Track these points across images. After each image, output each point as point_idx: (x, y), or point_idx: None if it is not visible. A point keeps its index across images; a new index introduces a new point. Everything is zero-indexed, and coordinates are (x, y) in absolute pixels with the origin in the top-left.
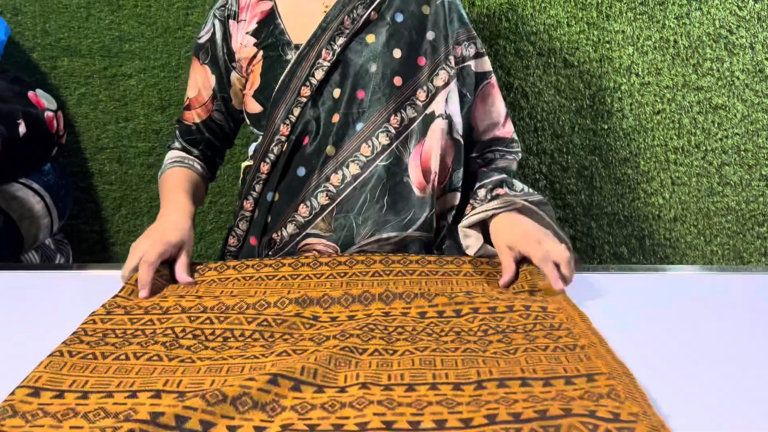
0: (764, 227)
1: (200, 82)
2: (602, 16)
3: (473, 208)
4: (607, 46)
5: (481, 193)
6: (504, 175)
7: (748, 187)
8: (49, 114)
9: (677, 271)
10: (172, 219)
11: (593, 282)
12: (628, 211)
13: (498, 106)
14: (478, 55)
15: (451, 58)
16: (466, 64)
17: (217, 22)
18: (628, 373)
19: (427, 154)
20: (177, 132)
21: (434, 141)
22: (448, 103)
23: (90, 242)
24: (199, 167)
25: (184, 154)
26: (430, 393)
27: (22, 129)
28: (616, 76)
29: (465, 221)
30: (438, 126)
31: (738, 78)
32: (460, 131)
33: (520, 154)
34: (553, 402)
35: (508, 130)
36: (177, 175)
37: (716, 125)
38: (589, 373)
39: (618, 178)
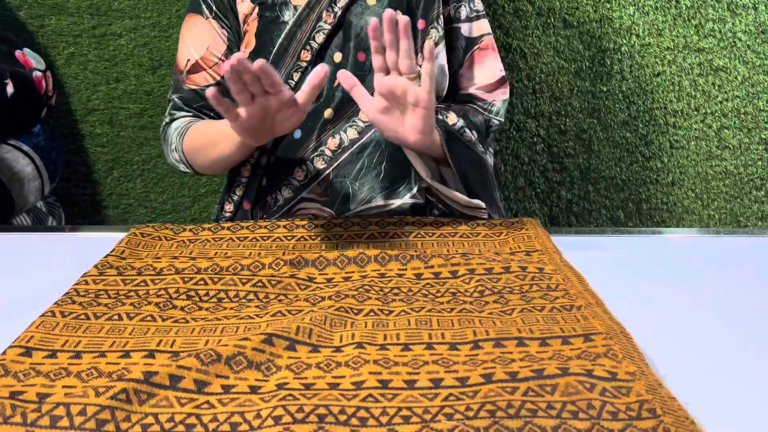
0: (762, 191)
1: (208, 39)
2: None
3: (446, 127)
4: (608, 5)
5: (453, 118)
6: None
7: (746, 151)
8: (37, 74)
9: (673, 234)
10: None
11: (590, 244)
12: (626, 174)
13: (492, 67)
14: (469, 19)
15: (441, 17)
16: (454, 26)
17: None
18: (626, 333)
19: None
20: (177, 108)
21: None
22: (437, 69)
23: (82, 205)
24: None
25: (190, 117)
26: (425, 352)
27: (9, 89)
28: (616, 37)
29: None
30: (426, 86)
31: (740, 39)
32: (442, 97)
33: (494, 122)
34: (550, 361)
35: (497, 92)
36: (208, 121)
37: (716, 87)
38: (586, 333)
39: (616, 141)
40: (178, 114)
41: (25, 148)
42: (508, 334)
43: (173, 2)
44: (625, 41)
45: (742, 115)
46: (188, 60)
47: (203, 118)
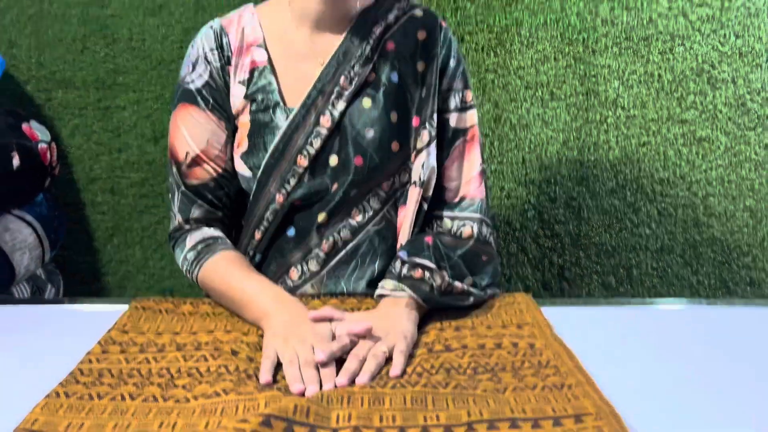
0: (749, 257)
1: (207, 131)
2: (588, 51)
3: (391, 272)
4: (593, 80)
5: (397, 265)
6: (434, 255)
7: (732, 218)
8: (42, 146)
9: (665, 305)
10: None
11: (583, 315)
12: (616, 241)
13: (472, 163)
14: (458, 109)
15: (435, 115)
16: (443, 116)
17: (212, 68)
18: (615, 414)
19: (401, 223)
20: (184, 204)
21: (410, 209)
22: (424, 168)
23: (81, 272)
24: (230, 245)
25: (211, 232)
26: None
27: (15, 162)
28: (602, 109)
29: (381, 290)
30: (414, 194)
31: (721, 111)
32: (428, 199)
33: (477, 218)
34: None
35: (479, 190)
36: (236, 260)
37: (700, 157)
38: (577, 414)
39: (605, 208)
40: (193, 214)
41: (28, 217)
42: (502, 415)
43: (175, 76)
44: (611, 113)
45: (727, 184)
46: (187, 153)
47: (217, 215)
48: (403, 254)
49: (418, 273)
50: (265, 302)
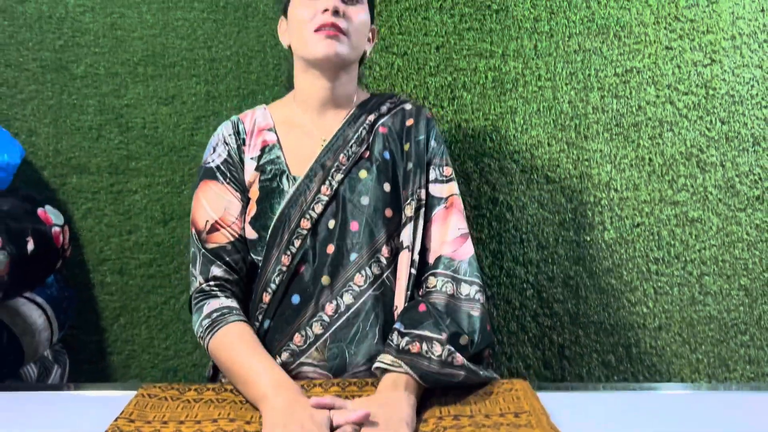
0: (747, 335)
1: (225, 200)
2: (580, 136)
3: (390, 344)
4: (586, 163)
5: (395, 338)
6: (429, 323)
7: (728, 297)
8: (56, 229)
9: (667, 390)
10: (290, 397)
11: (583, 400)
12: (614, 319)
13: (451, 227)
14: (437, 181)
15: (423, 190)
16: (427, 186)
17: (230, 148)
18: None
19: (398, 287)
20: (205, 266)
21: (403, 272)
22: (411, 235)
23: (88, 352)
24: (242, 315)
25: (227, 302)
26: None
27: (30, 246)
28: (596, 192)
29: (380, 363)
30: (405, 258)
31: (711, 193)
32: (416, 262)
33: (465, 286)
34: None
35: (460, 251)
36: (244, 334)
37: (694, 237)
38: None
39: (602, 287)
40: (213, 273)
41: (39, 300)
42: None
43: (186, 162)
44: (604, 195)
45: (721, 263)
46: (207, 221)
47: (231, 280)
48: (399, 326)
49: (416, 347)
50: (265, 385)
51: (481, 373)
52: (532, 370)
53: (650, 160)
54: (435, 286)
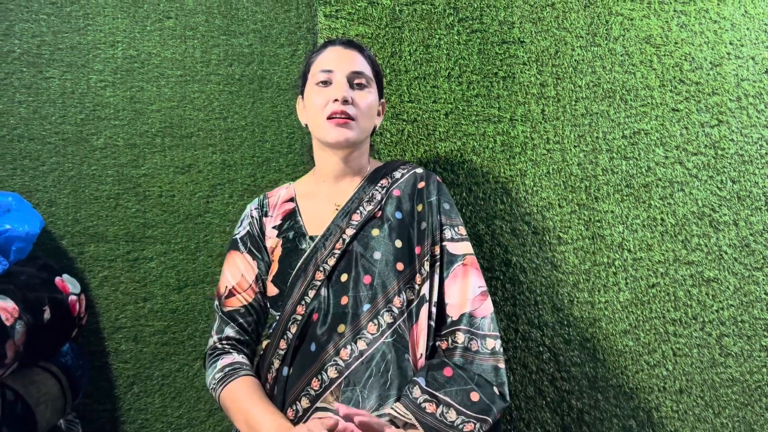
0: None
1: (242, 268)
2: (591, 197)
3: (408, 396)
4: (598, 224)
5: (416, 392)
6: (450, 384)
7: (749, 358)
8: (72, 298)
9: None
10: None
11: None
12: (633, 383)
13: (471, 284)
14: (453, 239)
15: (437, 246)
16: (442, 244)
17: (254, 220)
18: None
19: (418, 337)
20: (221, 326)
21: (423, 324)
22: (431, 289)
23: (101, 421)
24: (252, 370)
25: (239, 359)
26: None
27: (46, 315)
28: (609, 252)
29: (392, 410)
30: (425, 310)
31: (726, 252)
32: (434, 315)
33: (490, 341)
34: None
35: (482, 309)
36: (252, 387)
37: (711, 297)
38: None
39: (620, 350)
40: (226, 333)
41: (53, 368)
42: None
43: (201, 229)
44: (617, 256)
45: (740, 323)
46: (226, 287)
47: (243, 340)
48: (421, 381)
49: (431, 407)
50: (268, 430)
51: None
52: None
53: (662, 220)
54: (462, 342)
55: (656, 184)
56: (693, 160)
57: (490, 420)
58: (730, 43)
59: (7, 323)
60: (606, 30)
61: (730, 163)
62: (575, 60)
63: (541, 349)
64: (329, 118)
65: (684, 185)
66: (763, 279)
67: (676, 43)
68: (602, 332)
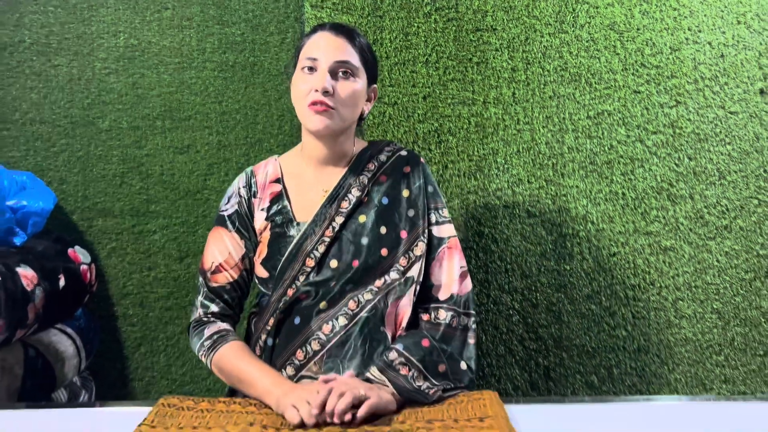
0: (722, 356)
1: (230, 246)
2: (558, 174)
3: (384, 360)
4: (564, 198)
5: (393, 355)
6: (425, 354)
7: (702, 320)
8: (84, 267)
9: (645, 401)
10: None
11: (569, 412)
12: (595, 342)
13: (455, 266)
14: (438, 223)
15: (424, 230)
16: (429, 228)
17: (242, 200)
18: None
19: (403, 312)
20: (206, 300)
21: (409, 300)
22: (420, 271)
23: (112, 378)
24: (239, 337)
25: (224, 326)
26: None
27: (62, 282)
28: (574, 224)
29: (369, 374)
30: (413, 289)
31: (682, 224)
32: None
33: (465, 318)
34: None
35: (463, 287)
36: (243, 349)
37: (667, 265)
38: None
39: (583, 313)
40: (211, 308)
41: (69, 330)
42: None
43: (200, 204)
44: (582, 227)
45: (694, 288)
46: (212, 263)
47: (227, 313)
48: (400, 347)
49: (404, 370)
50: (267, 383)
51: (450, 393)
52: (520, 391)
53: (623, 194)
54: (445, 319)
55: (618, 161)
56: (653, 138)
57: (452, 386)
58: (689, 29)
59: (28, 289)
60: (573, 17)
61: (687, 141)
62: (544, 46)
63: (511, 312)
64: (310, 105)
65: (644, 162)
66: (716, 248)
67: (638, 29)
68: (567, 297)
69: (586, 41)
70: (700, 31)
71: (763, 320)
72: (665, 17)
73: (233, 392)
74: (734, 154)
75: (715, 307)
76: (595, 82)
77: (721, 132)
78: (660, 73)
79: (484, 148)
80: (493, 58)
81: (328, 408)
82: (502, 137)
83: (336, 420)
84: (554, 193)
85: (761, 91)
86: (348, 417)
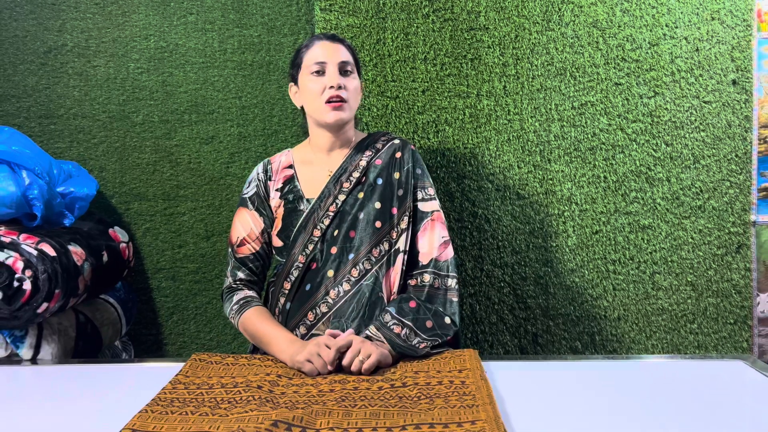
0: (695, 324)
1: (251, 222)
2: (545, 159)
3: (380, 321)
4: (551, 182)
5: (387, 318)
6: (413, 313)
7: (677, 292)
8: (123, 245)
9: (621, 360)
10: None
11: (556, 368)
12: (579, 312)
13: (436, 236)
14: (423, 199)
15: (411, 206)
16: (414, 204)
17: (260, 183)
18: (498, 419)
19: (394, 279)
20: (234, 269)
21: (398, 268)
22: (406, 241)
23: (148, 343)
24: (261, 302)
25: (250, 293)
26: None
27: (105, 258)
28: (560, 205)
29: (368, 331)
30: (401, 258)
31: (659, 204)
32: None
33: (448, 280)
34: None
35: (444, 254)
36: (264, 313)
37: (645, 241)
38: (473, 419)
39: (568, 285)
40: (238, 276)
41: (111, 300)
42: (425, 421)
43: (223, 189)
44: (566, 208)
45: (669, 263)
46: (238, 237)
47: (253, 280)
48: (392, 310)
49: (397, 329)
50: (283, 342)
51: (434, 351)
52: (511, 355)
53: (605, 177)
54: (428, 281)
55: (600, 147)
56: (632, 126)
57: (440, 340)
58: (666, 26)
59: (78, 264)
60: (558, 16)
61: (664, 129)
62: (532, 43)
63: (502, 284)
64: (327, 102)
65: (624, 148)
66: (690, 226)
67: (619, 26)
68: (553, 271)
69: (571, 38)
70: (676, 27)
71: (733, 292)
72: (644, 15)
73: (255, 350)
74: (708, 140)
75: (689, 280)
76: (579, 76)
77: (696, 120)
78: (639, 67)
79: (478, 137)
80: (486, 54)
81: (346, 361)
82: (494, 127)
83: (353, 369)
84: (541, 177)
85: (733, 82)
86: (357, 367)
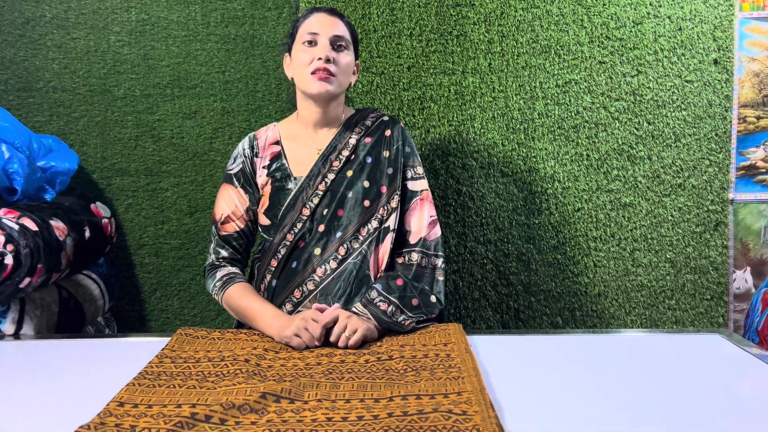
0: (673, 300)
1: (236, 200)
2: (528, 137)
3: (366, 297)
4: (534, 160)
5: (373, 294)
6: (400, 291)
7: (656, 268)
8: (105, 221)
9: (601, 334)
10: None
11: (537, 342)
12: (560, 288)
13: (425, 215)
14: (412, 178)
15: (400, 184)
16: (404, 183)
17: (246, 159)
18: (484, 390)
19: (383, 257)
20: (218, 247)
21: (387, 247)
22: (395, 220)
23: (131, 319)
24: (245, 279)
25: (233, 270)
26: (359, 403)
27: (87, 234)
28: (543, 183)
29: (354, 308)
30: (390, 237)
31: (640, 182)
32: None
33: (435, 259)
34: (430, 407)
35: (432, 233)
36: (248, 289)
37: (626, 219)
38: (459, 391)
39: (550, 262)
40: (221, 254)
41: (94, 276)
42: (411, 393)
43: (207, 164)
44: (549, 185)
45: (649, 240)
46: (222, 214)
47: (237, 258)
48: (379, 287)
49: (383, 306)
50: (268, 317)
51: (419, 325)
52: (493, 330)
53: (588, 155)
54: (416, 260)
55: (583, 125)
56: (615, 105)
57: (425, 317)
58: (650, 4)
59: (60, 238)
60: None
61: (646, 108)
62: (517, 20)
63: (485, 261)
64: (313, 72)
65: (607, 126)
66: (670, 204)
67: (603, 4)
68: (536, 247)
69: (556, 16)
70: (660, 6)
71: (711, 268)
72: None
73: (240, 326)
74: (689, 119)
75: (668, 257)
76: (564, 54)
77: (677, 99)
78: (623, 45)
79: (463, 114)
80: (471, 31)
81: (333, 337)
82: (479, 104)
83: (340, 344)
84: (525, 155)
85: (715, 62)
86: (343, 342)
